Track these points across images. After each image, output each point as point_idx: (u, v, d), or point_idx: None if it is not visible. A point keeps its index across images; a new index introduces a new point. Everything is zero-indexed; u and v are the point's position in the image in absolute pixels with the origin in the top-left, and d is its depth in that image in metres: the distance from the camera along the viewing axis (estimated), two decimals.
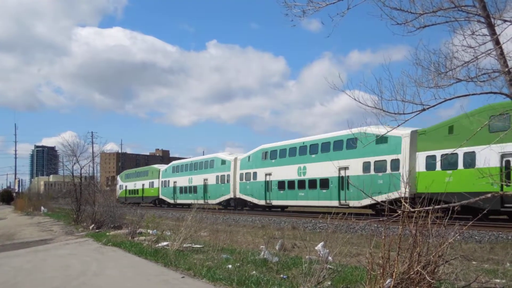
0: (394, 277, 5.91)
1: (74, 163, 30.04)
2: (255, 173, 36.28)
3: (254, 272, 8.97)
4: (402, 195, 6.36)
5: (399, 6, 6.76)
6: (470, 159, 21.04)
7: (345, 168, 27.51)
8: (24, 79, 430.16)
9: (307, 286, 7.27)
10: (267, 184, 34.74)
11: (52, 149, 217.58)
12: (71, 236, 19.18)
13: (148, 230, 17.23)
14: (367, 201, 24.87)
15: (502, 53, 6.39)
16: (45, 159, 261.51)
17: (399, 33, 7.01)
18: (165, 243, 13.41)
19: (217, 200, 41.43)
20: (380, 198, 21.35)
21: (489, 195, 6.53)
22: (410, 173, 22.41)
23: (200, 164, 45.94)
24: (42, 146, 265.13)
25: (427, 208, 6.39)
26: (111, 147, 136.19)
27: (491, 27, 6.44)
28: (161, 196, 54.27)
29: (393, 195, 19.63)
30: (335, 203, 27.60)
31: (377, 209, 24.75)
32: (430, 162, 22.97)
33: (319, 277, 7.39)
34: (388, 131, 8.22)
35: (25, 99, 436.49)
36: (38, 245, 16.68)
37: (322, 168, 28.98)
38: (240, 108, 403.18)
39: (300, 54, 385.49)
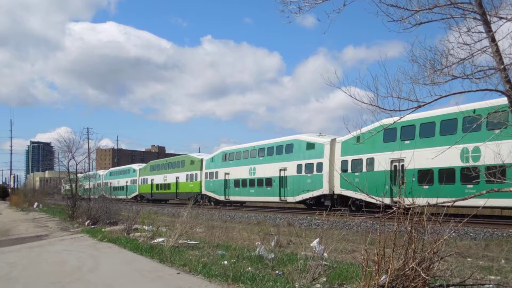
0: (389, 274, 5.92)
1: (70, 159, 29.99)
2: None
3: (249, 268, 8.98)
4: None
5: (395, 3, 6.77)
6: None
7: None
8: (17, 74, 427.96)
9: (303, 282, 7.29)
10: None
11: (47, 145, 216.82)
12: (66, 232, 19.14)
13: (144, 226, 17.24)
14: None
15: (497, 50, 6.40)
16: (41, 155, 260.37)
17: (395, 30, 7.02)
18: (160, 239, 13.41)
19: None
20: None
21: None
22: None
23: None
24: (38, 142, 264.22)
25: (422, 205, 6.41)
26: (106, 143, 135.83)
27: (487, 24, 6.44)
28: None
29: None
30: None
31: None
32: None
33: (314, 273, 7.41)
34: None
35: (18, 94, 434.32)
36: (33, 241, 16.65)
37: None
38: (235, 104, 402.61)
39: (295, 50, 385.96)
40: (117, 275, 9.41)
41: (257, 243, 12.82)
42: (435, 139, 21.97)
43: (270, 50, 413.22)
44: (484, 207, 18.27)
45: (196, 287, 7.83)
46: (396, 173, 24.01)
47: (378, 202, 18.90)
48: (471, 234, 16.45)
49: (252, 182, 36.46)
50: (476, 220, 17.70)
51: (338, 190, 28.05)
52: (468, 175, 17.13)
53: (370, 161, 25.99)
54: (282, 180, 33.07)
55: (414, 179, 22.19)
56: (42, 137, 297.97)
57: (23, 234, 19.36)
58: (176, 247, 12.06)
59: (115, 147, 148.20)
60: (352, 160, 27.22)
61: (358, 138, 23.22)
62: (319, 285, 7.33)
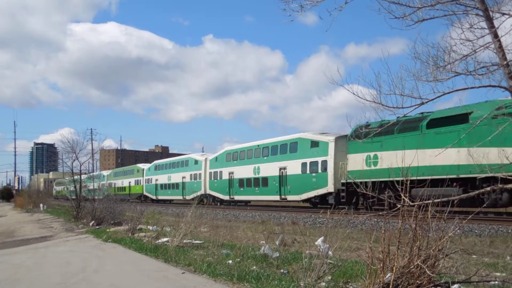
0: (394, 271, 5.91)
1: (74, 160, 30.10)
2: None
3: (254, 267, 8.98)
4: None
5: (397, 0, 6.75)
6: None
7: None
8: (19, 76, 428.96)
9: (308, 281, 7.28)
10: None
11: (51, 146, 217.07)
12: (71, 233, 19.20)
13: (148, 226, 17.26)
14: None
15: (500, 46, 6.38)
16: (45, 156, 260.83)
17: (397, 27, 7.01)
18: (165, 239, 13.42)
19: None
20: None
21: None
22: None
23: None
24: (41, 143, 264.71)
25: (426, 202, 6.39)
26: (109, 143, 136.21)
27: (489, 20, 6.42)
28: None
29: None
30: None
31: None
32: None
33: (319, 271, 7.40)
34: None
35: (21, 96, 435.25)
36: (38, 242, 16.70)
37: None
38: (238, 103, 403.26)
39: (297, 48, 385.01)
40: (122, 276, 9.43)
41: (261, 242, 12.82)
42: (246, 161, 37.43)
43: (272, 48, 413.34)
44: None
45: (201, 286, 7.84)
46: (231, 180, 39.12)
47: (224, 198, 40.98)
48: (476, 231, 16.38)
49: (169, 186, 51.66)
50: (481, 216, 17.63)
51: (208, 191, 43.15)
52: (256, 182, 35.60)
53: (221, 173, 40.93)
54: (183, 185, 47.85)
55: (237, 184, 38.00)
56: (46, 138, 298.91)
57: (28, 235, 19.42)
58: (181, 246, 12.07)
59: (119, 148, 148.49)
60: (214, 172, 42.25)
61: (216, 158, 42.58)
62: (324, 284, 7.32)
